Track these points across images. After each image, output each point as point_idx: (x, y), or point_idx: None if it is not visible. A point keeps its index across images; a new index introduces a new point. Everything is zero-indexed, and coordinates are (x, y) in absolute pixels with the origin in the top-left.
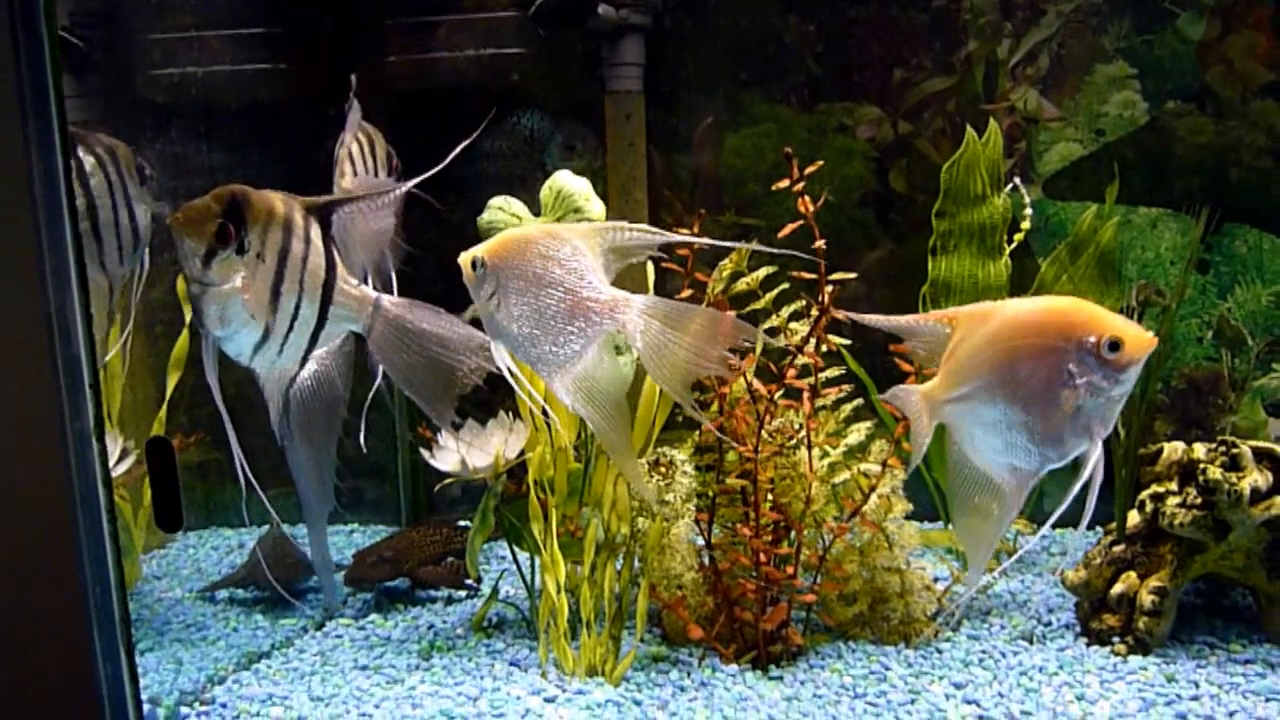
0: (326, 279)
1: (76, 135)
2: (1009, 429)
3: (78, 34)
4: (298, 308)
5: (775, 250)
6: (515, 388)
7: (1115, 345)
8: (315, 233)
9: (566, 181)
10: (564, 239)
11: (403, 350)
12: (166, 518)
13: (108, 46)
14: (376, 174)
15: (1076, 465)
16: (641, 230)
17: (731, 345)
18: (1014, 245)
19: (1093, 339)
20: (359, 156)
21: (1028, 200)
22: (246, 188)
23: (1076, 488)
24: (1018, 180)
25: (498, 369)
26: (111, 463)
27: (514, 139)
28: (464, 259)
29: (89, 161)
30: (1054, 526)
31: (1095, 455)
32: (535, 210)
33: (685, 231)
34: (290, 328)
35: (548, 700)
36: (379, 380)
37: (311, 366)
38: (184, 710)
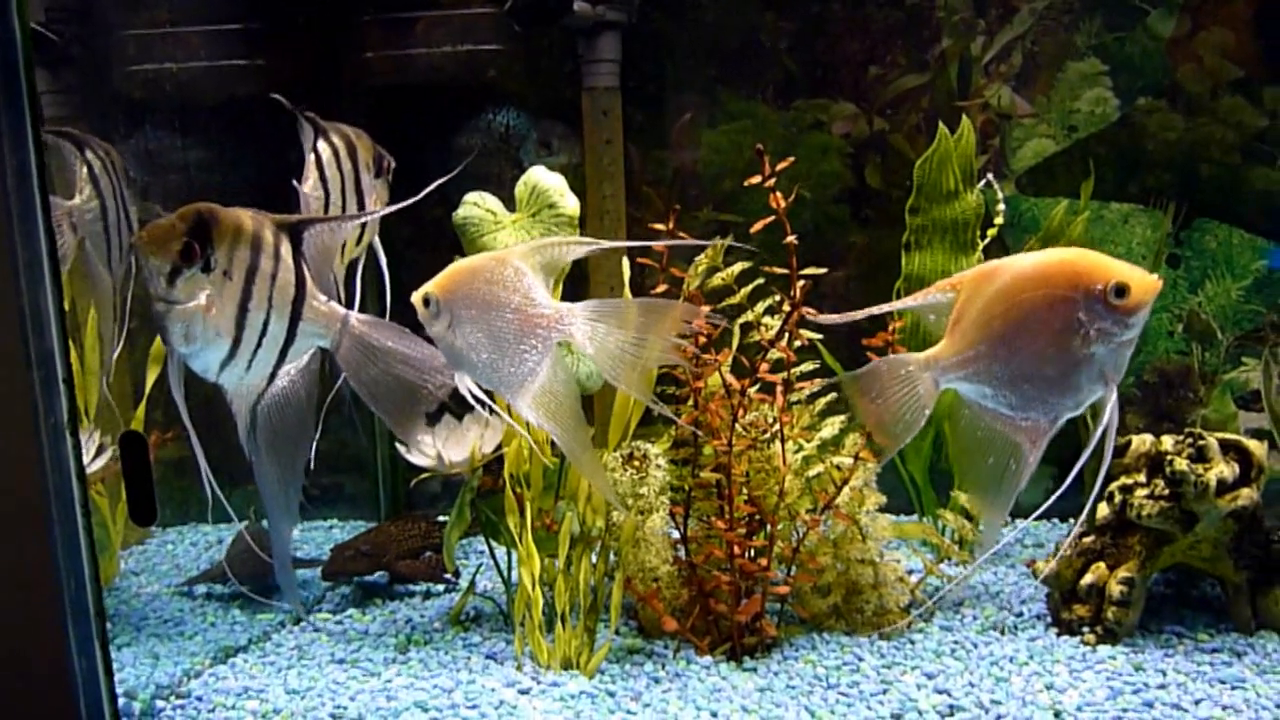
0: (296, 295)
1: (80, 139)
2: (1025, 382)
3: (53, 29)
4: (266, 324)
5: (746, 246)
6: (482, 410)
7: (1121, 291)
8: (285, 249)
9: (541, 177)
10: (505, 262)
11: (369, 367)
12: (140, 511)
13: (84, 42)
14: (357, 178)
15: (1054, 457)
16: (576, 242)
17: (679, 331)
18: (987, 240)
19: (1099, 286)
20: (330, 162)
21: (1001, 196)
22: (214, 205)
23: (1096, 435)
24: (990, 176)
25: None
26: (88, 458)
27: (489, 136)
28: (416, 298)
29: (96, 164)
30: (1031, 519)
31: (1111, 401)
32: (510, 206)
33: (643, 235)
34: (259, 344)
35: (522, 692)
36: (341, 379)
37: (280, 383)
38: (159, 704)
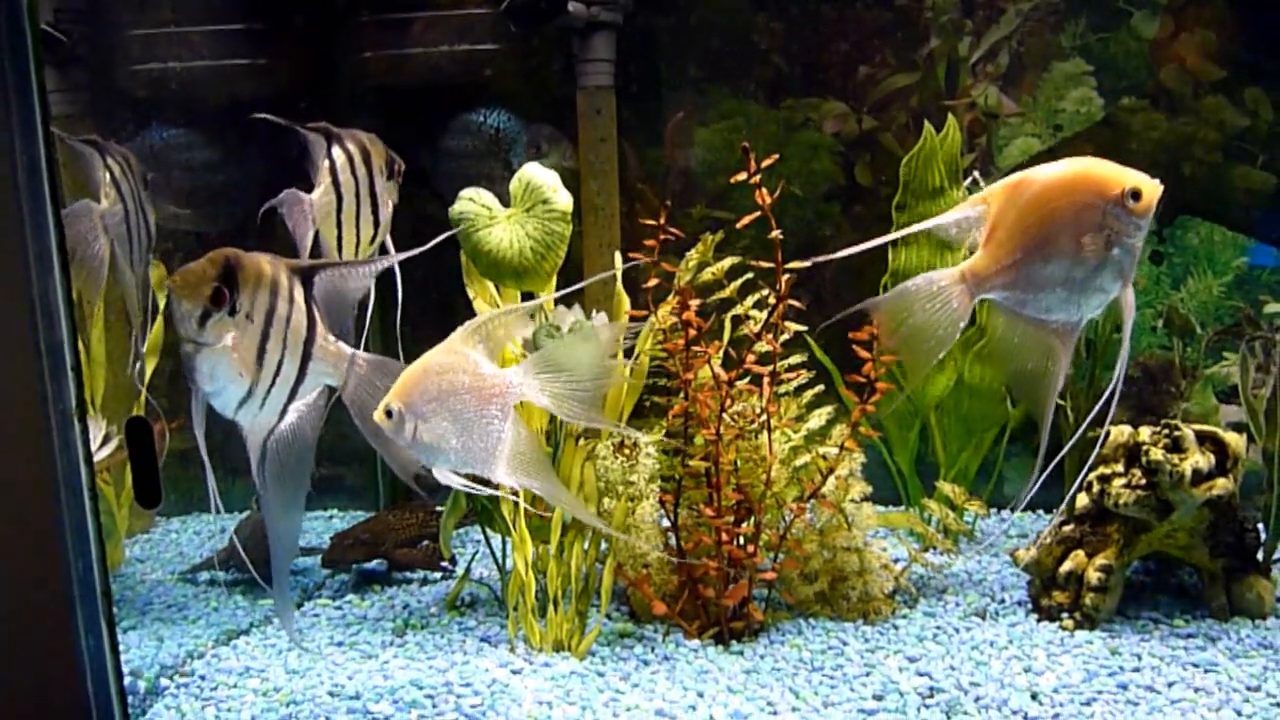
0: (308, 336)
1: (101, 145)
2: (1057, 286)
3: (61, 29)
4: (280, 364)
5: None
6: (464, 487)
7: (1136, 195)
8: (299, 293)
9: (535, 174)
10: (449, 350)
11: (372, 405)
12: (146, 494)
13: (91, 41)
14: (371, 183)
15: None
16: (507, 311)
17: (615, 350)
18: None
19: (1117, 191)
20: (344, 168)
21: None
22: (239, 251)
23: (1126, 330)
24: (976, 174)
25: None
26: (94, 447)
27: (480, 138)
28: (378, 415)
29: (115, 169)
30: (1012, 510)
31: (1130, 298)
32: (505, 202)
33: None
34: (273, 383)
35: (514, 672)
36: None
37: (289, 419)
38: (164, 682)
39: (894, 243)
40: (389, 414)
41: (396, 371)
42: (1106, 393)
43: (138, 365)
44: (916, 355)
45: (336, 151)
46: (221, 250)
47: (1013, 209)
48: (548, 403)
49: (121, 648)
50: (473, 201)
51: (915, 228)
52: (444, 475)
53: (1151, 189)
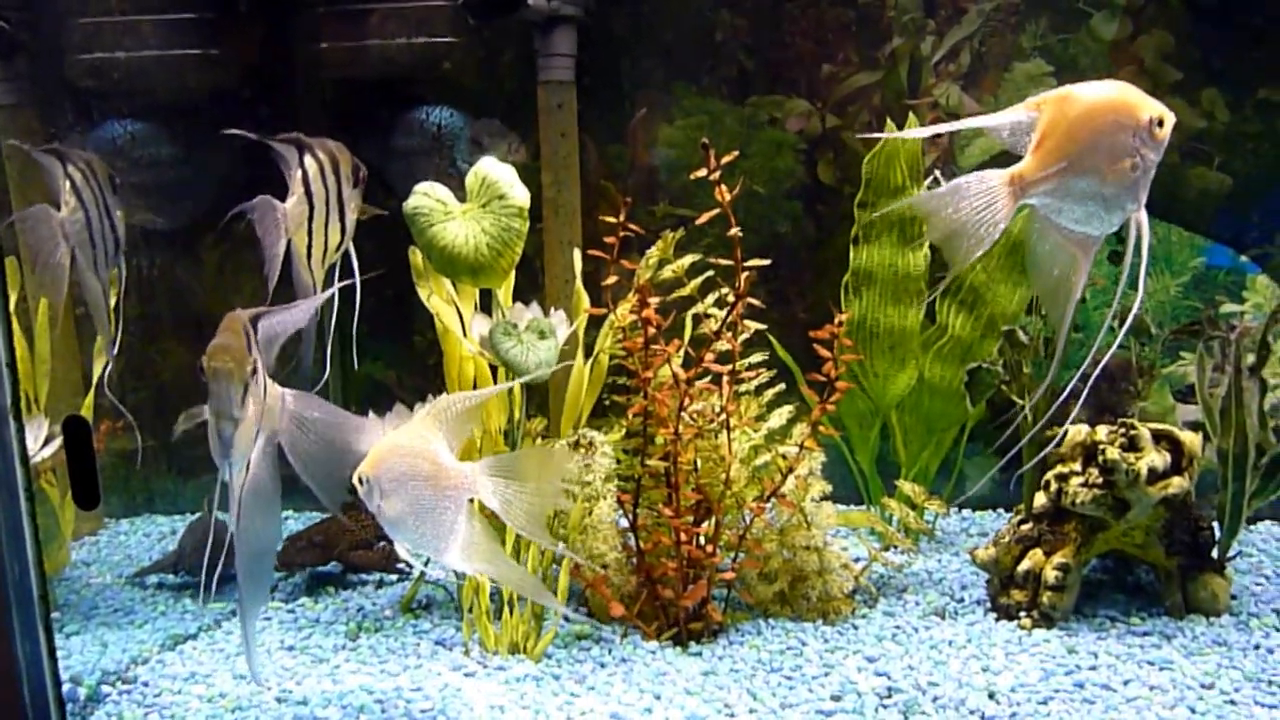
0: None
1: (63, 154)
2: (1090, 199)
3: (2, 15)
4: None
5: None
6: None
7: (1160, 122)
8: (253, 340)
9: (491, 169)
10: (414, 433)
11: (303, 439)
12: (83, 495)
13: (34, 29)
14: (339, 191)
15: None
16: (469, 397)
17: (559, 474)
18: None
19: (1148, 116)
20: (316, 176)
21: None
22: (241, 315)
23: (1131, 241)
24: (938, 173)
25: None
26: (38, 446)
27: (423, 134)
28: (355, 480)
29: (77, 176)
30: (972, 509)
31: (1144, 217)
32: (461, 196)
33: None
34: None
35: (467, 675)
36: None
37: (254, 470)
38: (105, 689)
39: (856, 240)
40: (361, 481)
41: (318, 404)
42: (1132, 314)
43: (106, 370)
44: (957, 250)
45: (309, 161)
46: (234, 317)
47: (1064, 120)
48: (496, 505)
49: (64, 653)
50: (427, 196)
51: (968, 122)
52: (404, 551)
53: (1170, 117)
